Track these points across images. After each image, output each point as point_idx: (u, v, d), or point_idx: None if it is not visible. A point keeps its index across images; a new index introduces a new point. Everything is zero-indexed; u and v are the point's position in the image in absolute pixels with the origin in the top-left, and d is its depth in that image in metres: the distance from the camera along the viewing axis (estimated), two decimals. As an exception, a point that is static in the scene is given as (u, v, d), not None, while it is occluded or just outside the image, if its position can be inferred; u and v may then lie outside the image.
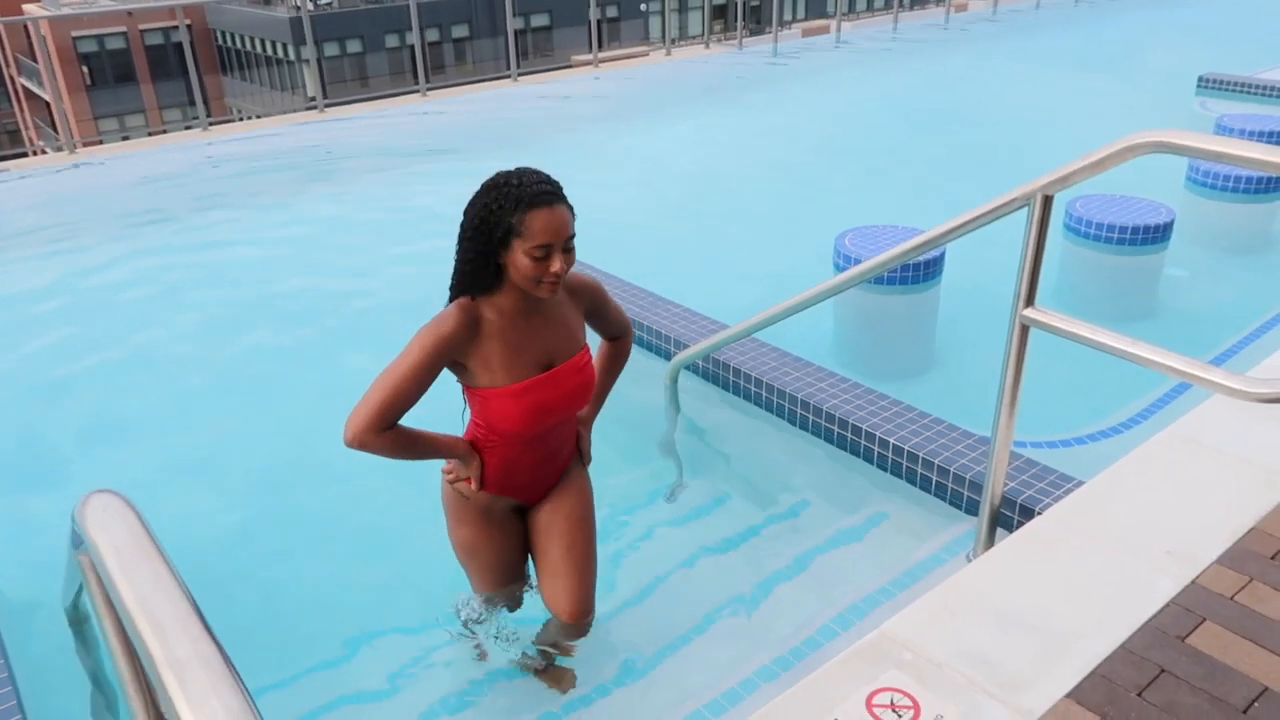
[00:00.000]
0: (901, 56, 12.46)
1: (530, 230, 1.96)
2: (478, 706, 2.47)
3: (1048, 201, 2.27)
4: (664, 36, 13.21)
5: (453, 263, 2.10)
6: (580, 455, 2.47)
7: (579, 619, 2.34)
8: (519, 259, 1.98)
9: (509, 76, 11.17)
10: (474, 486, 2.21)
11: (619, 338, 2.49)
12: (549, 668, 2.49)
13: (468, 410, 2.23)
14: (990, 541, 2.62)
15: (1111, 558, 2.22)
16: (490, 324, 2.08)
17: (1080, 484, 2.71)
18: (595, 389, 2.38)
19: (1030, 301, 2.33)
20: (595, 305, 2.31)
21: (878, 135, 8.52)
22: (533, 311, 2.12)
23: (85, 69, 33.70)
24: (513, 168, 2.04)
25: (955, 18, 14.92)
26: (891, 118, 9.16)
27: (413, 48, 10.29)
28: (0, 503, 3.43)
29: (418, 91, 10.43)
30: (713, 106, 9.96)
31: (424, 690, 2.51)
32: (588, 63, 12.49)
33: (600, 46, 12.08)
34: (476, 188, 2.05)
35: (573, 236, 2.03)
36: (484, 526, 2.32)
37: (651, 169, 7.79)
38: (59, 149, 12.79)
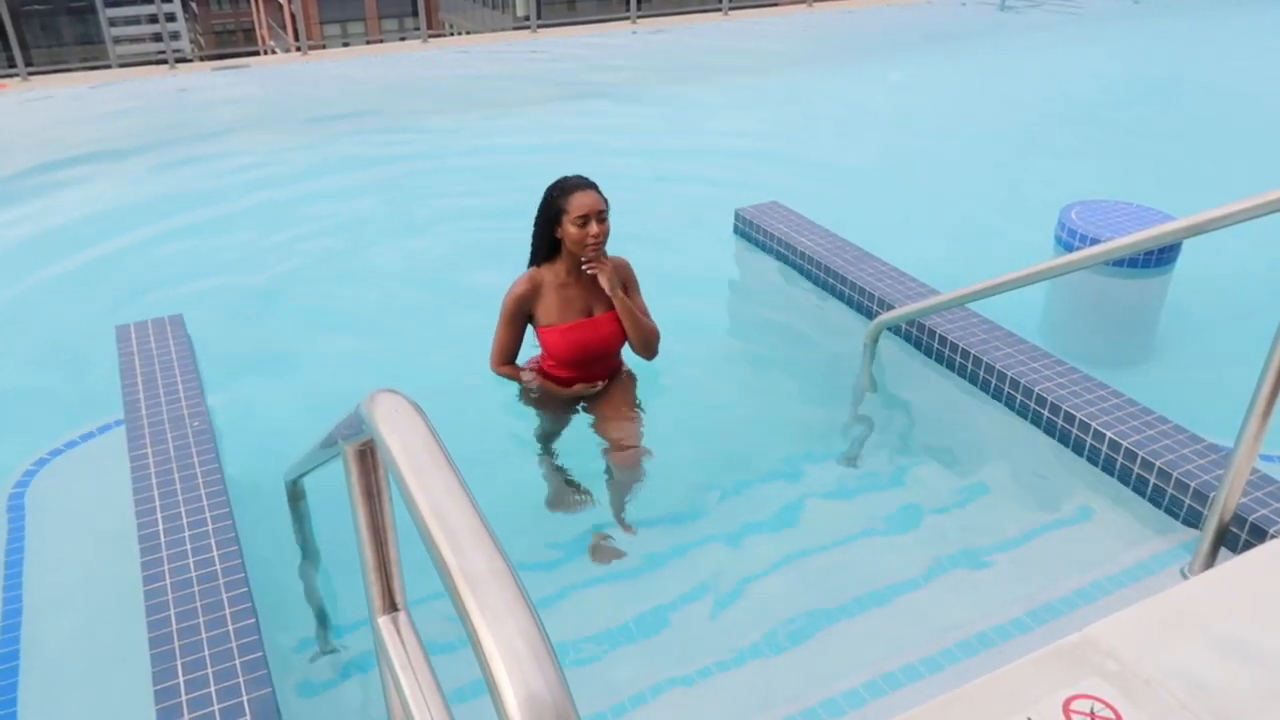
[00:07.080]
0: (1144, 16, 11.41)
1: (573, 206, 2.83)
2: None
3: (1350, 196, 2.01)
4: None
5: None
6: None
7: (632, 446, 3.00)
8: (569, 229, 2.85)
9: (719, 9, 10.97)
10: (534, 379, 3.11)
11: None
12: (604, 541, 2.86)
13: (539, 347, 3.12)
14: (1212, 559, 2.42)
15: (1360, 598, 1.99)
16: (548, 284, 2.99)
17: (1327, 511, 2.45)
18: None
19: (1308, 305, 2.09)
20: (627, 277, 3.08)
21: (1112, 100, 7.86)
22: (579, 275, 2.98)
23: (316, -26, 35.48)
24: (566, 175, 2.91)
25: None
26: (1129, 83, 8.43)
27: (626, -27, 10.28)
28: (234, 379, 3.72)
29: (628, 18, 10.41)
30: (932, 55, 9.46)
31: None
32: (800, 0, 12.09)
33: (816, -17, 11.67)
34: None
35: (605, 212, 2.86)
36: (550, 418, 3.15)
37: (862, 117, 7.50)
38: (287, 49, 13.53)
